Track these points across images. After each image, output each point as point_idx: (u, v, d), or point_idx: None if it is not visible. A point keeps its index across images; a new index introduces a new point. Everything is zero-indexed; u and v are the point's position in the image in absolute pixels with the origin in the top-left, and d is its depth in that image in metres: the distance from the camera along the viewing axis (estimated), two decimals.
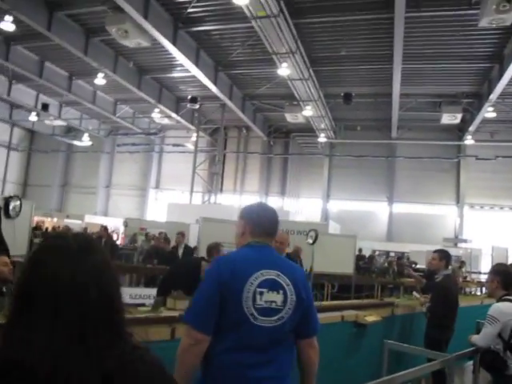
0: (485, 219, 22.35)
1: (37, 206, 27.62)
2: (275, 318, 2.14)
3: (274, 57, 14.69)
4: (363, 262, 11.53)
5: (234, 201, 25.16)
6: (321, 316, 3.96)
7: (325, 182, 24.54)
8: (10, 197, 5.87)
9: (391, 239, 22.90)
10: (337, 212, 24.34)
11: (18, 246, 5.46)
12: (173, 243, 10.56)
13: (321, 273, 8.14)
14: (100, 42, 16.35)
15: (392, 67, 15.26)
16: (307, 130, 23.20)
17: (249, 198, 25.51)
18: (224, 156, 26.47)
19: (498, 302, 3.53)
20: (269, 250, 2.30)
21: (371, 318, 4.43)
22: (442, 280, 5.03)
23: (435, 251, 5.25)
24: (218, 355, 2.09)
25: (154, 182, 28.04)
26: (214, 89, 18.07)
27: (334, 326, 4.21)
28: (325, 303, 4.92)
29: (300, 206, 24.53)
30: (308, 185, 25.06)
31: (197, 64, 16.26)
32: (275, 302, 2.14)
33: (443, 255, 5.17)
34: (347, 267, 8.19)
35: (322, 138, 22.56)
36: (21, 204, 5.84)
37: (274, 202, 25.53)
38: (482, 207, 22.90)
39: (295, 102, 18.96)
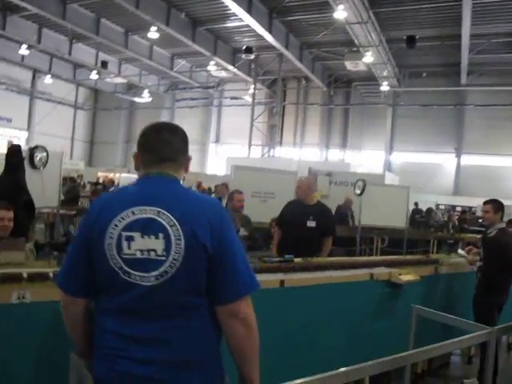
0: None
1: (103, 162, 28.61)
2: (155, 273, 1.52)
3: None
4: (420, 216, 10.87)
5: (294, 153, 24.70)
6: (345, 274, 3.67)
7: (388, 133, 23.44)
8: (36, 147, 5.75)
9: (458, 193, 21.69)
10: (400, 164, 23.31)
11: (48, 197, 5.42)
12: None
13: (369, 226, 7.72)
14: None
15: (461, 4, 13.90)
16: (369, 78, 22.08)
17: (309, 151, 25.03)
18: (283, 108, 25.91)
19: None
20: (163, 182, 1.65)
21: (407, 276, 3.93)
22: (496, 235, 4.38)
23: (487, 202, 4.54)
24: (97, 320, 1.63)
25: (213, 136, 28.05)
26: (269, 38, 17.41)
27: (361, 286, 3.79)
28: (347, 259, 4.48)
29: (362, 159, 23.66)
30: (370, 136, 24.07)
31: (249, 12, 15.64)
32: (154, 250, 1.52)
33: (498, 206, 4.49)
34: (399, 220, 7.63)
35: (384, 87, 21.38)
36: (47, 155, 5.73)
37: (334, 154, 24.87)
38: None
39: (355, 49, 17.96)
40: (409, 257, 4.82)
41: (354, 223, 8.05)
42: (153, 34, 17.66)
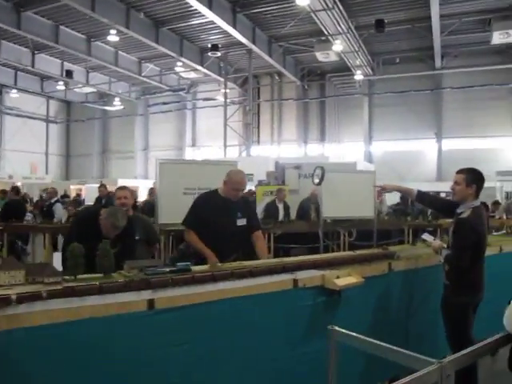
0: None
1: (80, 175, 27.83)
2: None
3: None
4: (395, 204, 10.27)
5: (273, 151, 24.11)
6: (254, 283, 2.79)
7: (366, 123, 22.92)
8: None
9: (441, 179, 21.17)
10: (381, 154, 22.80)
11: None
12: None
13: (334, 218, 7.05)
14: None
15: None
16: (343, 69, 21.59)
17: (287, 147, 24.47)
18: (258, 106, 25.35)
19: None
20: None
21: (346, 280, 3.03)
22: (469, 216, 3.39)
23: (460, 171, 3.55)
24: None
25: (189, 140, 27.39)
26: (234, 33, 16.82)
27: (279, 298, 2.86)
28: (263, 262, 3.36)
29: (341, 151, 23.12)
30: (348, 128, 23.52)
31: (211, 7, 15.01)
32: None
33: (473, 177, 3.51)
34: (367, 210, 6.76)
35: (358, 76, 20.87)
36: None
37: (313, 148, 24.31)
38: None
39: (323, 38, 17.41)
40: (357, 252, 3.82)
41: (318, 217, 7.36)
42: (113, 37, 16.99)
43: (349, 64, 19.97)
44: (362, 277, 3.27)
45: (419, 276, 3.94)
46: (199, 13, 15.78)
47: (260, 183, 11.94)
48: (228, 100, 23.32)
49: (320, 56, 18.93)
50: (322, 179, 6.45)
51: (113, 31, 16.76)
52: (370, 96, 22.93)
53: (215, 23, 16.46)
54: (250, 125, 22.36)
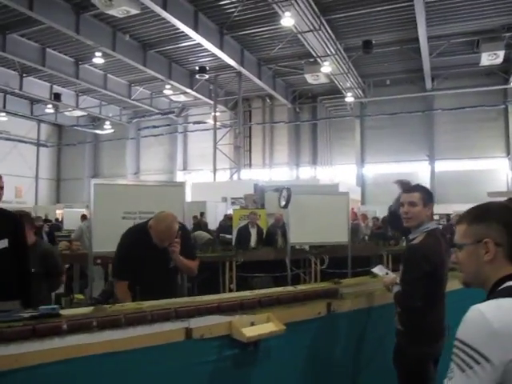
0: None
1: (70, 199, 27.42)
2: None
3: (274, 6, 13.10)
4: (376, 228, 9.79)
5: (264, 175, 23.81)
6: (130, 334, 2.15)
7: (358, 145, 22.69)
8: None
9: (435, 201, 20.79)
10: (373, 177, 22.52)
11: None
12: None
13: (301, 244, 6.47)
14: (92, 17, 15.20)
15: (414, 5, 13.29)
16: (334, 91, 21.49)
17: (279, 171, 24.19)
18: (250, 129, 25.18)
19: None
20: None
21: (260, 328, 2.39)
22: (421, 242, 2.79)
23: (413, 188, 3.00)
24: None
25: (180, 164, 27.10)
26: (222, 55, 16.69)
27: (165, 353, 2.23)
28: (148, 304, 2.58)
29: (333, 174, 22.83)
30: (340, 150, 23.30)
31: (197, 29, 14.90)
32: None
33: (429, 195, 2.96)
34: (340, 235, 6.18)
35: (349, 98, 20.73)
36: None
37: (305, 172, 24.03)
38: None
39: (312, 60, 17.29)
40: (298, 288, 3.11)
41: (285, 243, 6.79)
42: (98, 59, 16.83)
43: (339, 86, 19.85)
44: (290, 321, 2.64)
45: (371, 318, 3.22)
46: (186, 35, 15.65)
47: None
48: (219, 123, 23.14)
49: (310, 78, 18.82)
50: (288, 201, 5.94)
51: (98, 53, 16.60)
52: (362, 118, 22.77)
53: (203, 46, 16.35)
54: (240, 148, 22.08)
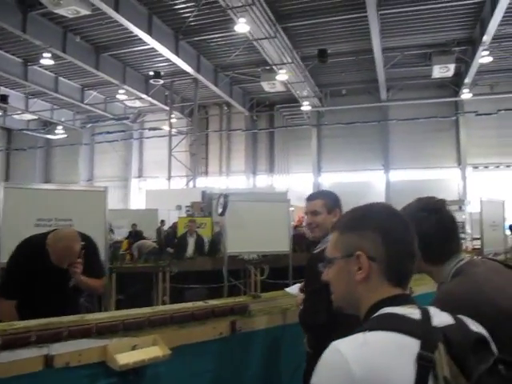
0: (490, 180, 20.48)
1: None
2: None
3: (229, 12, 12.94)
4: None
5: (221, 183, 23.55)
6: None
7: (314, 154, 22.76)
8: None
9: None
10: (330, 186, 22.55)
11: None
12: None
13: (238, 254, 6.21)
14: (41, 16, 14.62)
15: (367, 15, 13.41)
16: (291, 100, 21.50)
17: (236, 179, 23.98)
18: (207, 136, 24.90)
19: None
20: None
21: (141, 354, 2.06)
22: (324, 249, 2.08)
23: (312, 197, 2.72)
24: None
25: (136, 171, 26.49)
26: (177, 60, 16.41)
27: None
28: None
29: (290, 183, 22.79)
30: (297, 159, 23.31)
31: (151, 33, 14.58)
32: None
33: (334, 200, 2.69)
34: (281, 244, 5.80)
35: (306, 107, 20.78)
36: None
37: (262, 180, 23.91)
38: (486, 167, 21.03)
39: (268, 67, 17.22)
40: (209, 303, 2.74)
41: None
42: (47, 60, 16.20)
43: (296, 95, 19.87)
44: (184, 343, 2.31)
45: (287, 338, 2.86)
46: (141, 39, 15.27)
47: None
48: (175, 130, 22.78)
49: (266, 86, 18.74)
50: (224, 208, 5.65)
51: (47, 54, 15.97)
52: (319, 127, 22.86)
53: (158, 50, 16.01)
54: (196, 155, 21.74)
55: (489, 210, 7.85)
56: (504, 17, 13.46)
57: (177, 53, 16.07)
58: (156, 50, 16.26)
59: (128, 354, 2.06)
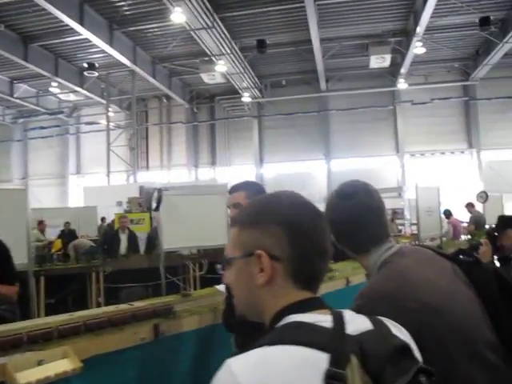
0: (426, 166, 21.19)
1: None
2: None
3: (165, 1, 12.55)
4: None
5: (162, 177, 23.06)
6: None
7: (256, 145, 22.71)
8: None
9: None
10: (273, 177, 22.64)
11: None
12: None
13: (175, 250, 5.96)
14: None
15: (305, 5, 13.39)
16: (231, 91, 21.30)
17: (178, 172, 23.56)
18: (147, 130, 24.30)
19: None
20: None
21: (45, 370, 1.80)
22: None
23: (234, 189, 2.57)
24: None
25: (73, 168, 25.49)
26: (112, 52, 15.80)
27: None
28: None
29: (233, 175, 22.63)
30: (239, 151, 23.16)
31: (82, 23, 13.93)
32: None
33: (258, 190, 2.51)
34: (220, 237, 5.12)
35: (246, 98, 20.67)
36: None
37: (205, 173, 23.63)
38: (422, 154, 21.74)
39: (207, 58, 16.94)
40: (134, 305, 2.47)
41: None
42: None
43: (236, 86, 19.70)
44: (99, 353, 2.06)
45: (216, 339, 2.64)
46: (73, 29, 14.56)
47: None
48: (113, 124, 22.07)
49: (206, 78, 18.46)
50: (159, 203, 5.39)
51: None
52: (260, 118, 22.82)
53: (92, 41, 15.35)
54: (135, 149, 21.16)
55: (424, 196, 8.02)
56: (436, 9, 13.82)
57: (111, 44, 15.48)
58: (90, 41, 15.58)
59: (32, 371, 1.81)
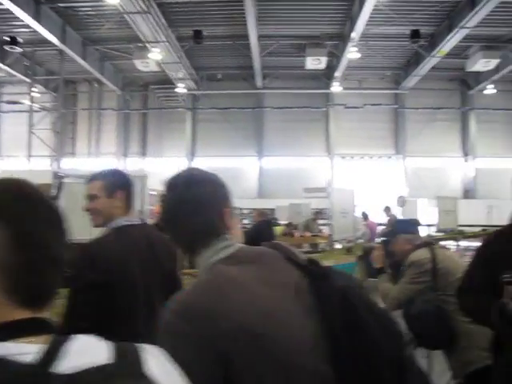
0: (355, 169, 21.72)
1: None
2: None
3: None
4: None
5: (89, 165, 22.10)
6: None
7: (189, 138, 22.30)
8: None
9: (262, 196, 21.51)
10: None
11: None
12: None
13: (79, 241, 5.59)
14: None
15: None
16: (166, 81, 20.70)
17: (106, 161, 22.66)
18: (75, 114, 23.19)
19: None
20: None
21: None
22: (92, 243, 2.18)
23: (91, 179, 2.29)
24: None
25: None
26: (38, 27, 14.81)
27: None
28: None
29: (163, 167, 22.09)
30: (171, 142, 22.61)
31: None
32: None
33: (117, 181, 2.31)
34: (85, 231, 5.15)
35: (181, 89, 20.19)
36: None
37: (134, 163, 22.90)
38: (352, 157, 22.24)
39: (141, 45, 16.34)
40: None
41: None
42: None
43: (171, 76, 19.19)
44: None
45: None
46: None
47: None
48: (38, 105, 20.80)
49: (140, 65, 17.79)
50: (59, 192, 4.95)
51: None
52: (194, 111, 22.41)
53: (15, 13, 14.31)
54: (61, 134, 20.08)
55: (339, 198, 8.08)
56: (371, 17, 14.12)
57: (38, 19, 14.52)
58: (12, 13, 14.52)
59: None
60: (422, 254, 3.14)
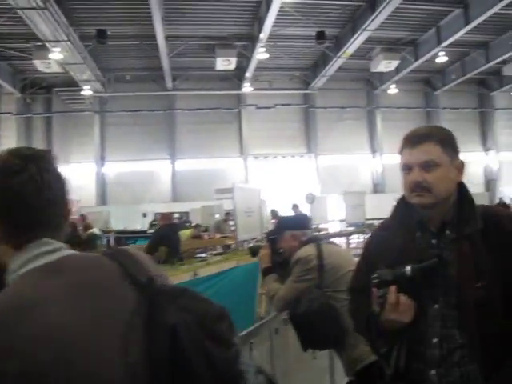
0: (269, 169, 21.99)
1: None
2: None
3: None
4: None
5: None
6: None
7: (97, 142, 21.36)
8: None
9: (176, 199, 21.13)
10: (115, 175, 21.56)
11: None
12: None
13: None
14: None
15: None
16: (71, 83, 19.64)
17: None
18: None
19: None
20: None
21: None
22: None
23: None
24: None
25: None
26: None
27: None
28: None
29: (71, 173, 21.00)
30: (79, 148, 21.50)
31: None
32: None
33: None
34: None
35: (86, 91, 19.30)
36: None
37: None
38: (265, 157, 22.49)
39: (40, 44, 15.40)
40: None
41: None
42: None
43: (75, 78, 18.27)
44: None
45: None
46: None
47: None
48: None
49: (41, 65, 16.79)
50: None
51: None
52: (102, 114, 21.54)
53: None
54: None
55: (244, 197, 7.97)
56: (278, 19, 14.35)
57: None
58: None
59: None
60: (308, 250, 3.01)
